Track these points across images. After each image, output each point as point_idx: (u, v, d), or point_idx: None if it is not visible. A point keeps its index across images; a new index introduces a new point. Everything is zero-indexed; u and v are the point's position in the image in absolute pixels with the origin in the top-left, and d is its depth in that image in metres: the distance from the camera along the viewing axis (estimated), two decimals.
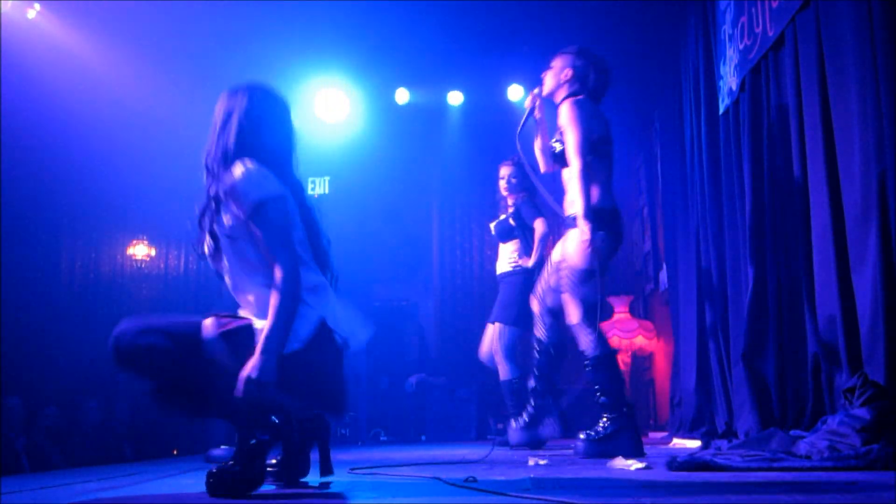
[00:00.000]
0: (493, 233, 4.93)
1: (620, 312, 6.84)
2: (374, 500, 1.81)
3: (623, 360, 6.72)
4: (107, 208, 7.42)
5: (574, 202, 3.49)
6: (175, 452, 6.88)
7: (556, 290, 3.68)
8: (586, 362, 3.51)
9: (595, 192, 3.49)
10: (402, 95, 7.53)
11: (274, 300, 2.03)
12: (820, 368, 2.98)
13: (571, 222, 3.49)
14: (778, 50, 3.56)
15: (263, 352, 1.98)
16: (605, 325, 6.75)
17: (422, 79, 7.56)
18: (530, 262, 4.60)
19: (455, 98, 7.82)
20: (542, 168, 3.99)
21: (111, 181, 7.10)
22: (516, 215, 4.75)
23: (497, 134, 8.08)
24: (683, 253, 5.26)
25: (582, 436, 3.46)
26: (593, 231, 3.36)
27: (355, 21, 6.48)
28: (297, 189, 2.25)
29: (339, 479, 2.39)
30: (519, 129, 4.06)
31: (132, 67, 6.44)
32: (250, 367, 1.97)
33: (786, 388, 3.37)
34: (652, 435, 6.05)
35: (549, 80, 3.81)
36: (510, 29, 6.84)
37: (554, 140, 3.72)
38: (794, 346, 3.32)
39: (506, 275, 4.77)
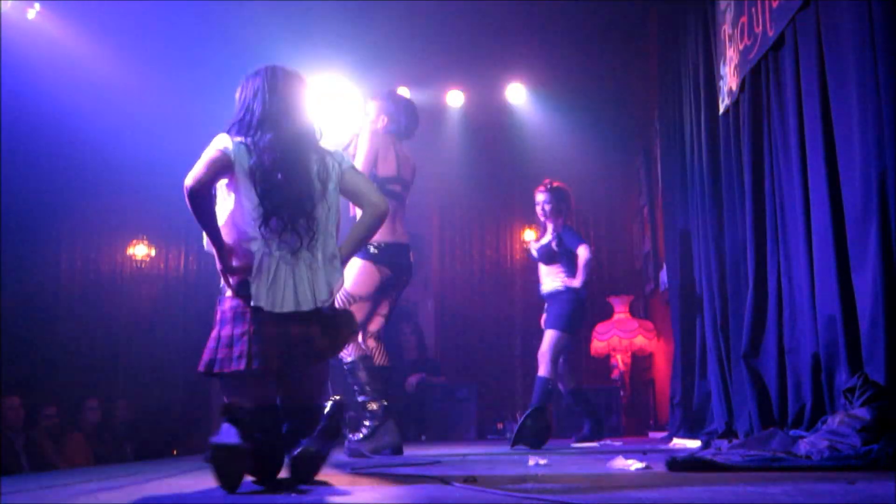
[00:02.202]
0: (534, 254, 5.19)
1: (620, 312, 6.85)
2: (374, 500, 1.81)
3: (623, 360, 6.73)
4: (107, 208, 7.42)
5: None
6: (175, 452, 6.89)
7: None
8: (345, 366, 3.87)
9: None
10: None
11: None
12: (820, 368, 2.97)
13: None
14: (778, 50, 3.55)
15: None
16: (605, 325, 6.78)
17: (422, 79, 7.55)
18: (576, 284, 4.91)
19: (455, 98, 7.82)
20: None
21: (111, 181, 7.10)
22: (559, 241, 5.03)
23: (497, 134, 8.10)
24: (683, 253, 5.26)
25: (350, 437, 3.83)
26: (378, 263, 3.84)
27: (355, 21, 6.48)
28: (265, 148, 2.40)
29: (340, 479, 2.39)
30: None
31: (132, 67, 6.43)
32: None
33: (786, 388, 3.37)
34: (652, 435, 6.06)
35: (365, 125, 4.09)
36: (510, 29, 6.84)
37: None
38: (794, 346, 3.32)
39: (555, 293, 5.03)
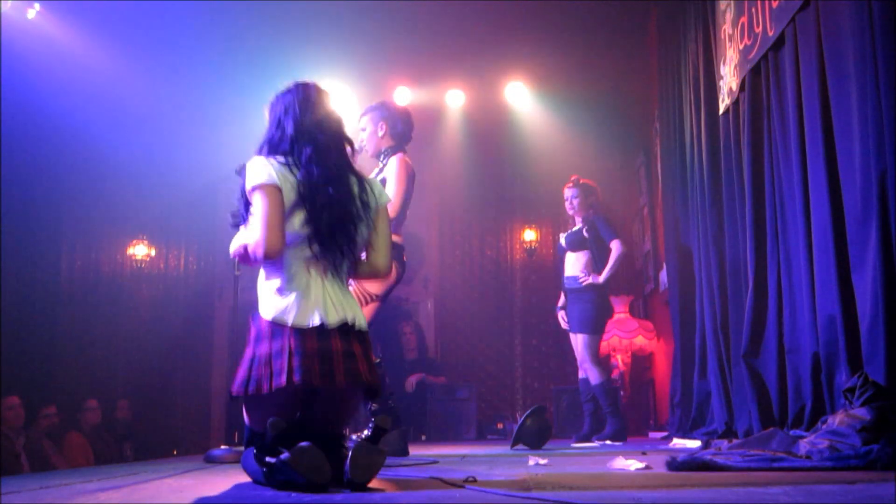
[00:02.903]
0: (562, 243, 5.38)
1: (620, 312, 6.84)
2: (374, 500, 1.81)
3: (623, 360, 6.73)
4: (107, 208, 7.42)
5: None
6: (175, 452, 6.89)
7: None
8: None
9: None
10: (403, 95, 7.52)
11: None
12: (820, 368, 2.97)
13: None
14: (778, 50, 3.55)
15: None
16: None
17: (422, 79, 7.56)
18: (601, 278, 5.10)
19: (455, 98, 7.82)
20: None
21: (111, 181, 7.11)
22: (591, 228, 5.22)
23: (497, 134, 8.10)
24: (683, 253, 5.27)
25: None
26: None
27: (355, 21, 6.48)
28: (312, 174, 2.29)
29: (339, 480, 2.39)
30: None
31: (132, 67, 6.44)
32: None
33: (786, 388, 3.37)
34: (652, 435, 6.06)
35: (367, 139, 4.06)
36: (510, 29, 6.84)
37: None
38: (794, 346, 3.32)
39: (576, 289, 5.22)
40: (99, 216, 7.48)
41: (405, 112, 4.20)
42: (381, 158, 4.02)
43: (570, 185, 5.39)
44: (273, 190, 2.22)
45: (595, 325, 5.13)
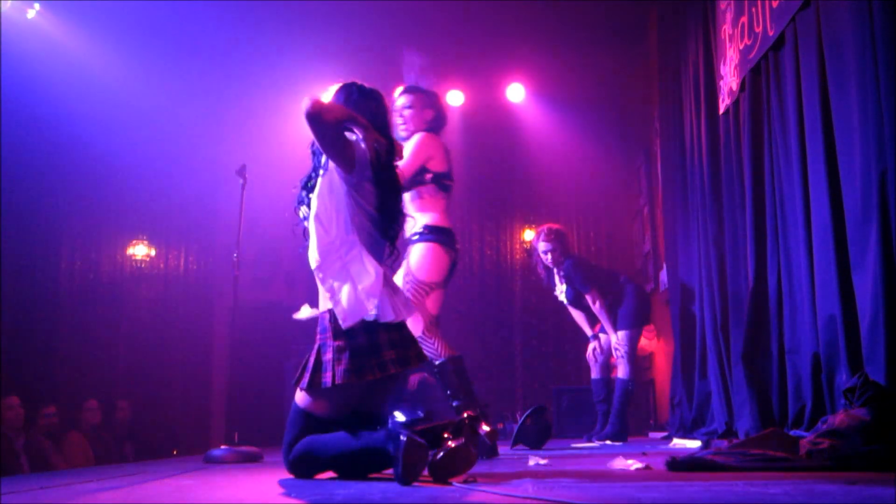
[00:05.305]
0: (565, 301, 5.38)
1: None
2: (374, 500, 1.81)
3: None
4: (107, 208, 7.42)
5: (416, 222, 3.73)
6: (175, 452, 6.89)
7: None
8: (434, 372, 3.69)
9: (438, 216, 3.73)
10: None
11: None
12: (820, 368, 2.97)
13: (417, 239, 3.70)
14: (778, 50, 3.55)
15: None
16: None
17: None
18: (614, 336, 5.17)
19: (455, 98, 7.82)
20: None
21: (111, 181, 7.10)
22: (569, 283, 5.21)
23: (497, 134, 8.10)
24: (683, 253, 5.26)
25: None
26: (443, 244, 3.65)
27: (354, 21, 6.48)
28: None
29: (339, 480, 2.39)
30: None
31: (132, 67, 6.44)
32: None
33: (786, 388, 3.37)
34: (652, 435, 6.05)
35: (410, 117, 3.90)
36: (510, 29, 6.84)
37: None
38: (794, 347, 3.32)
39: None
40: (99, 216, 7.47)
41: (439, 101, 4.07)
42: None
43: (542, 238, 5.21)
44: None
45: (635, 319, 5.16)
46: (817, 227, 3.03)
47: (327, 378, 2.42)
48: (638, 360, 7.00)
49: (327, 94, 2.67)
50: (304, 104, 2.41)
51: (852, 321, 2.71)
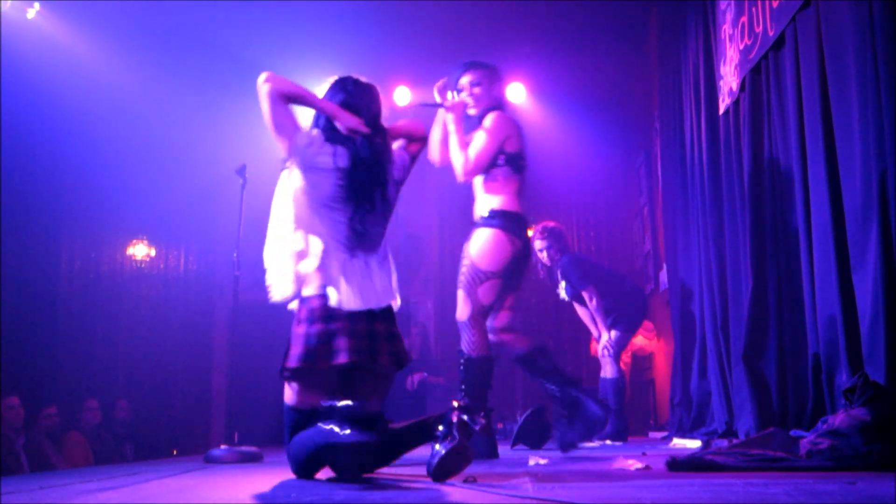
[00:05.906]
0: (566, 299, 5.42)
1: None
2: (374, 500, 1.81)
3: (623, 360, 6.72)
4: (107, 208, 7.41)
5: (483, 205, 3.67)
6: (175, 452, 6.89)
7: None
8: (461, 360, 3.50)
9: (508, 199, 3.65)
10: (403, 95, 7.51)
11: None
12: (820, 368, 2.97)
13: (481, 223, 3.63)
14: (778, 50, 3.55)
15: None
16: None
17: (422, 79, 7.54)
18: (601, 331, 5.22)
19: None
20: (436, 159, 3.98)
21: (111, 181, 7.09)
22: (567, 281, 5.21)
23: None
24: (683, 253, 5.26)
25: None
26: (510, 233, 3.54)
27: (355, 21, 6.48)
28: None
29: (338, 480, 2.39)
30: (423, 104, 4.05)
31: (132, 67, 6.43)
32: None
33: (786, 388, 3.37)
34: (652, 435, 6.05)
35: (481, 94, 3.78)
36: (510, 29, 6.84)
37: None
38: (794, 346, 3.32)
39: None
40: (99, 216, 7.47)
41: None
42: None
43: (539, 235, 5.16)
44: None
45: (633, 324, 5.29)
46: (817, 227, 3.03)
47: (288, 362, 2.45)
48: (638, 360, 7.02)
49: (322, 87, 2.70)
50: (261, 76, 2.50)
51: (852, 321, 2.71)
